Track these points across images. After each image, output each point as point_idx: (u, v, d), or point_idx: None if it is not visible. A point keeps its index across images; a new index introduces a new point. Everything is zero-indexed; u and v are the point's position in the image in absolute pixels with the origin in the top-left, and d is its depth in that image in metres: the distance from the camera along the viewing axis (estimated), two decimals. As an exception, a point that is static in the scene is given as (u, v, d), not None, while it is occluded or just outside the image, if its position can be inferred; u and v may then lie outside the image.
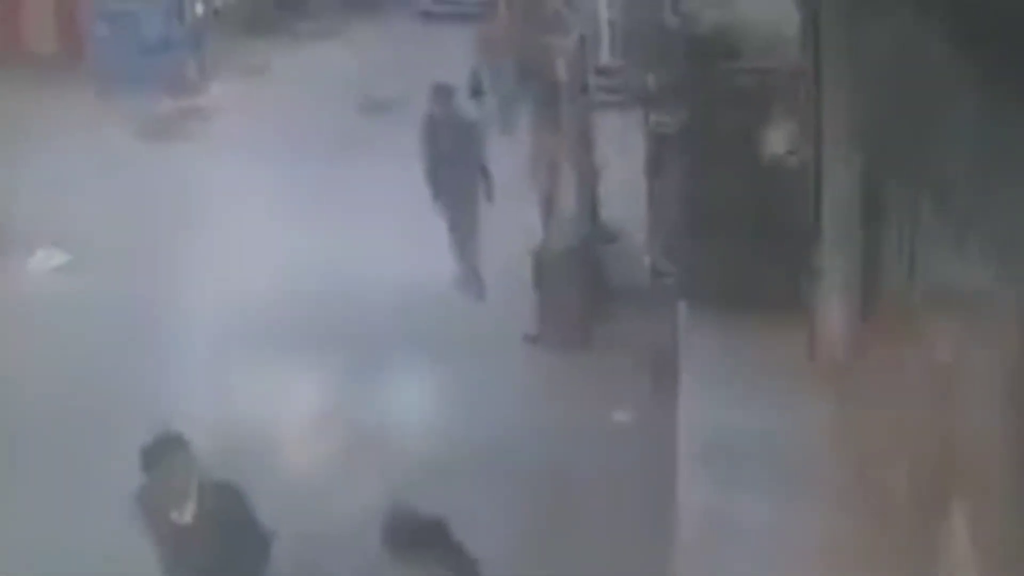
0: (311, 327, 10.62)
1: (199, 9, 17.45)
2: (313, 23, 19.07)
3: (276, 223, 12.33)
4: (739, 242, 8.91)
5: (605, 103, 11.65)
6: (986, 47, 5.90)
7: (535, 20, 12.70)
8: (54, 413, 9.56)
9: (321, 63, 17.44)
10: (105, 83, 16.19)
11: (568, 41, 11.38)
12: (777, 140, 9.17)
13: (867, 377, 7.46)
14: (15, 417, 9.55)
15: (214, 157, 14.38)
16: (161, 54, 16.61)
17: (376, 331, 10.56)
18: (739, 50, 9.24)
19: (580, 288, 10.67)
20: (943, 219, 7.29)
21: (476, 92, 12.63)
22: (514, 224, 12.38)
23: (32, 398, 9.82)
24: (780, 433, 7.76)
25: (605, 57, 12.72)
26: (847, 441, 7.36)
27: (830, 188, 8.16)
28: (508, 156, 13.49)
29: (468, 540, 6.87)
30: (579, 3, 12.68)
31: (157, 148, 14.98)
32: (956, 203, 7.26)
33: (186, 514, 6.43)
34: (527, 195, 12.13)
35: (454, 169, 11.16)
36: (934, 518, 6.30)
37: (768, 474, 7.56)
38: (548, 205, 11.61)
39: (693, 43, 9.72)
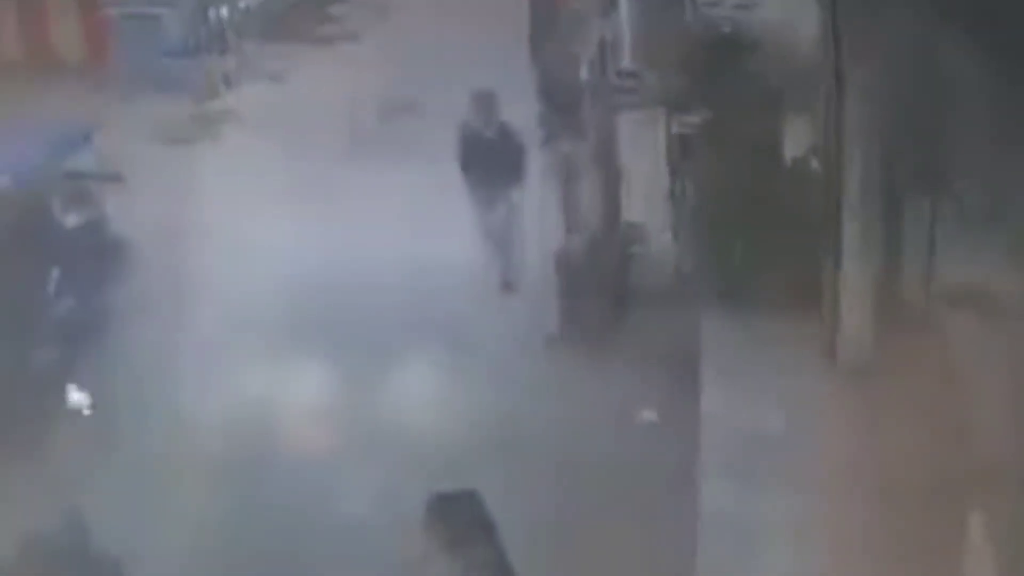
0: (332, 327, 10.69)
1: (223, 13, 17.54)
2: (334, 26, 19.15)
3: (299, 225, 12.39)
4: (760, 243, 8.96)
5: (627, 105, 11.66)
6: (1007, 43, 5.94)
7: (557, 23, 12.74)
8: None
9: (340, 67, 17.51)
10: (129, 87, 16.28)
11: (590, 44, 11.42)
12: (798, 141, 9.22)
13: (887, 375, 7.50)
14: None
15: (236, 160, 14.46)
16: (184, 58, 16.70)
17: (397, 331, 10.61)
18: (760, 51, 9.32)
19: (602, 289, 10.70)
20: (963, 218, 7.34)
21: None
22: (537, 226, 12.46)
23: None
24: (801, 431, 7.80)
25: (627, 59, 12.74)
26: (867, 439, 7.40)
27: (850, 188, 8.20)
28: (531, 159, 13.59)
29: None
30: (600, 6, 12.70)
31: (179, 151, 15.06)
32: (976, 202, 7.30)
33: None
34: (550, 197, 12.16)
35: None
36: (952, 513, 6.33)
37: (789, 472, 7.60)
38: (571, 207, 11.64)
39: (714, 44, 9.80)
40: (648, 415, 9.50)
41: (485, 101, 11.45)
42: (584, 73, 11.35)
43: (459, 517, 5.83)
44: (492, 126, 11.39)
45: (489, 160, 11.31)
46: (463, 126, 11.54)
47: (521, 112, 14.25)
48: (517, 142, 11.40)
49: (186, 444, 9.16)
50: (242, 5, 18.13)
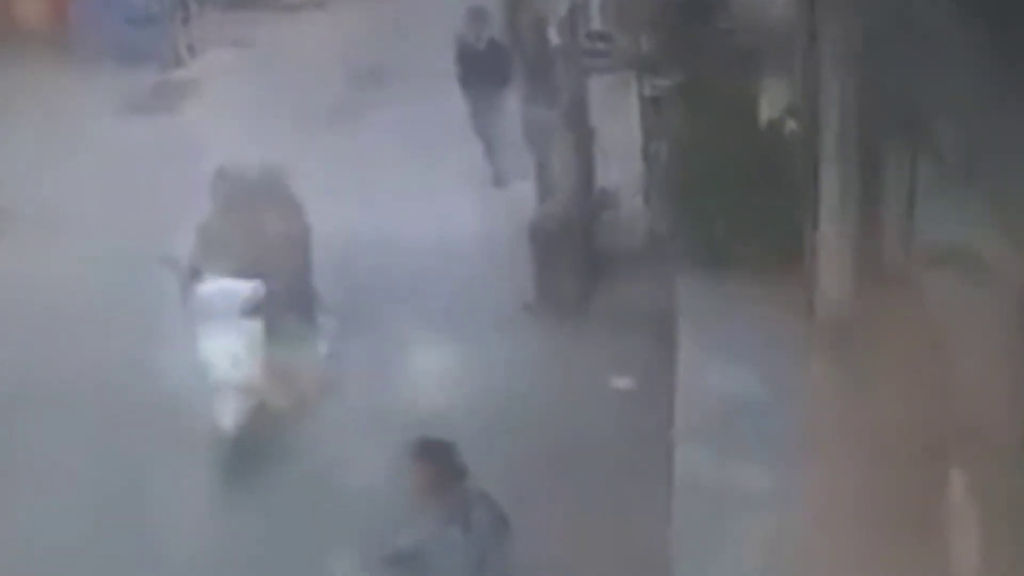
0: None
1: (187, -20, 17.31)
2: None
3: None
4: (737, 204, 8.87)
5: (598, 68, 11.55)
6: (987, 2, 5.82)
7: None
8: (44, 393, 9.47)
9: (307, 34, 17.33)
10: (91, 55, 16.06)
11: (559, 6, 11.27)
12: (773, 101, 9.12)
13: (867, 335, 7.42)
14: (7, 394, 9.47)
15: (200, 130, 14.28)
16: (148, 26, 16.48)
17: (373, 300, 10.50)
18: (733, 9, 9.20)
19: (577, 255, 10.59)
20: (943, 176, 7.24)
21: None
22: (509, 192, 12.33)
23: (22, 378, 9.71)
24: (779, 392, 7.73)
25: (597, 21, 12.64)
26: (847, 399, 7.33)
27: (827, 147, 8.10)
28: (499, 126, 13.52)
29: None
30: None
31: (143, 121, 14.87)
32: (956, 159, 7.20)
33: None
34: (521, 163, 12.04)
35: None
36: (934, 474, 6.27)
37: (767, 434, 7.53)
38: (543, 172, 11.50)
39: (686, 4, 9.68)
40: (623, 383, 9.41)
41: (478, 16, 12.67)
42: (554, 36, 11.19)
43: (441, 460, 6.33)
44: (483, 40, 12.65)
45: (481, 70, 12.54)
46: (459, 39, 12.81)
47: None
48: (505, 54, 12.53)
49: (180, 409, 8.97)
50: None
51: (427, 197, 11.91)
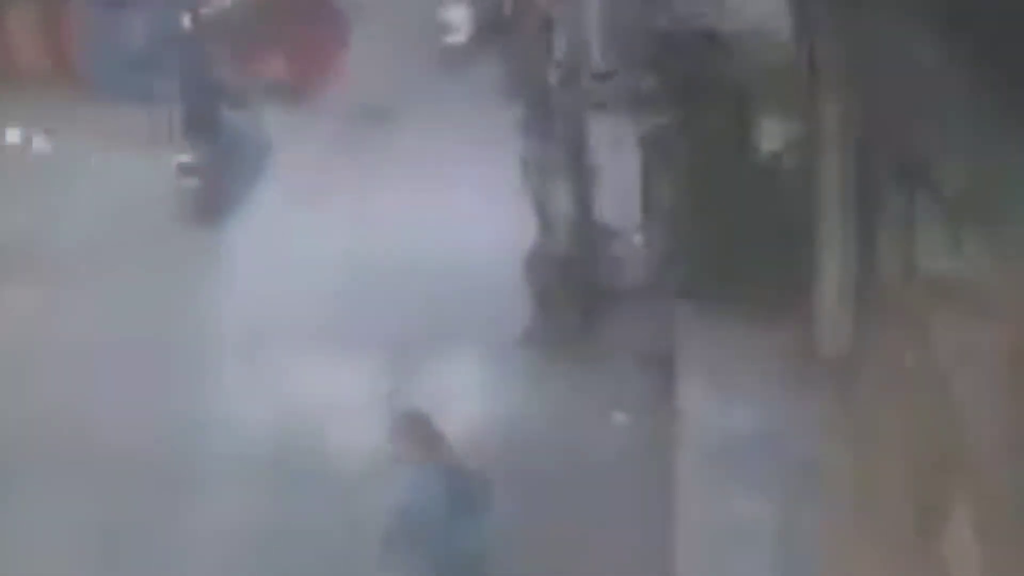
0: (305, 330, 10.62)
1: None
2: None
3: (273, 232, 12.31)
4: (736, 240, 8.88)
5: (598, 105, 11.56)
6: (981, 34, 5.85)
7: (525, 24, 12.64)
8: (64, 432, 9.50)
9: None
10: (95, 97, 16.11)
11: (560, 43, 11.32)
12: (773, 137, 9.15)
13: (866, 372, 7.42)
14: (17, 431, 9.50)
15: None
16: (152, 67, 16.50)
17: (371, 334, 10.52)
18: (732, 47, 9.22)
19: (576, 291, 10.60)
20: (940, 212, 7.25)
21: None
22: (508, 228, 12.35)
23: (44, 411, 9.76)
24: (779, 430, 7.72)
25: (596, 59, 12.65)
26: (847, 435, 7.32)
27: (827, 184, 8.13)
28: (501, 161, 13.54)
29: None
30: (569, 6, 12.60)
31: (152, 158, 14.91)
32: (953, 195, 7.21)
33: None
34: (520, 199, 12.05)
35: None
36: (936, 510, 6.25)
37: (768, 472, 7.52)
38: (542, 209, 11.50)
39: (687, 41, 9.70)
40: (620, 418, 9.41)
41: None
42: (554, 74, 11.23)
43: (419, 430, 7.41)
44: None
45: None
46: None
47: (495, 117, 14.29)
48: None
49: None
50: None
51: (429, 235, 11.96)
